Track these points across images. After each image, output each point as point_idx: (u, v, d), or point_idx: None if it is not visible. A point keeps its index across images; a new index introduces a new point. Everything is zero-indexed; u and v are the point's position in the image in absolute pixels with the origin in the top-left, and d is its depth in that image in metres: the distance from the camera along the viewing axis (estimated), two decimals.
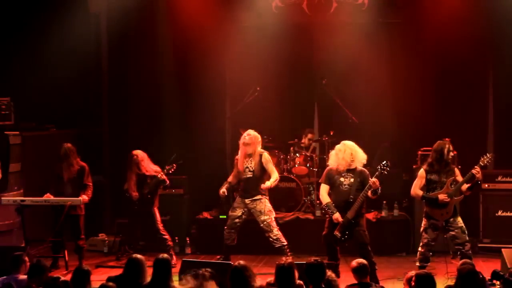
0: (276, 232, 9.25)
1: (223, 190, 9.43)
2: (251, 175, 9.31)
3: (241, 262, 6.01)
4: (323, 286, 5.94)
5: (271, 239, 9.25)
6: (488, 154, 8.40)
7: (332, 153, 8.72)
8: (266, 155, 9.39)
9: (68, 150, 9.46)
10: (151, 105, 11.78)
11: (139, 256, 6.47)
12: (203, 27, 11.31)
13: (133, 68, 11.86)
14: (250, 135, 9.34)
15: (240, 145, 9.43)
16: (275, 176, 9.29)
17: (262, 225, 9.29)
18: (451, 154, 8.39)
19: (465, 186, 8.30)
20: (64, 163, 9.43)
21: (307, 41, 11.43)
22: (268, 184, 9.21)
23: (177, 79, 11.75)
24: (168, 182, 9.81)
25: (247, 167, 9.34)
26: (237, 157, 9.53)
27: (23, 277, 6.74)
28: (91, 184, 9.53)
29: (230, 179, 9.57)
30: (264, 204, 9.29)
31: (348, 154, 8.51)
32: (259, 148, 9.42)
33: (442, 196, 8.21)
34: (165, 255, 6.46)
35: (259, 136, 9.43)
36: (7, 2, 11.16)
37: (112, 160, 12.01)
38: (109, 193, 11.95)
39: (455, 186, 8.25)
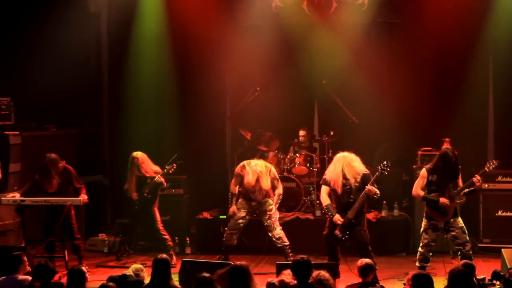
0: (279, 231, 9.26)
1: (234, 209, 9.42)
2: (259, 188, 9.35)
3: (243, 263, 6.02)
4: (315, 284, 5.94)
5: (274, 238, 9.26)
6: (494, 161, 8.39)
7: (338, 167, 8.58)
8: (273, 171, 9.43)
9: (49, 162, 9.13)
10: (151, 105, 11.78)
11: (164, 255, 6.49)
12: (203, 27, 11.31)
13: (133, 68, 11.86)
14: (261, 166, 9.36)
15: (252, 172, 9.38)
16: (278, 192, 9.36)
17: (266, 224, 9.30)
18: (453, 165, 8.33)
19: (463, 192, 8.28)
20: (45, 177, 9.17)
21: (307, 41, 11.43)
22: (273, 207, 9.30)
23: (177, 79, 11.75)
24: (165, 184, 9.80)
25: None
26: (239, 169, 9.49)
27: (22, 277, 6.74)
28: (83, 185, 9.39)
29: (233, 190, 9.53)
30: (269, 204, 9.31)
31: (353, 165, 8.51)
32: (264, 163, 9.48)
33: (443, 200, 8.18)
34: (164, 255, 6.49)
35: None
36: (7, 2, 11.15)
37: (112, 160, 12.03)
38: (109, 193, 11.96)
39: (457, 190, 8.23)
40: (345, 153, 8.56)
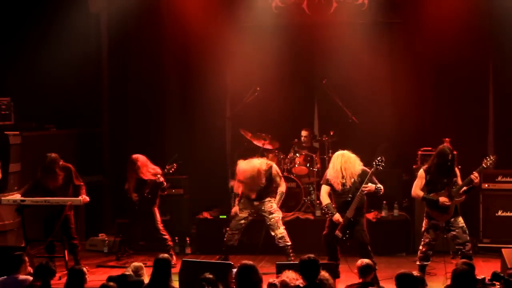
0: (282, 230, 9.25)
1: (236, 210, 9.41)
2: (261, 187, 9.33)
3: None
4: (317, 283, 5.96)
5: (276, 237, 9.24)
6: (491, 156, 8.37)
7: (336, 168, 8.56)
8: (275, 167, 9.41)
9: (52, 161, 9.14)
10: (151, 105, 11.78)
11: (165, 255, 6.51)
12: (203, 27, 11.32)
13: (133, 68, 11.86)
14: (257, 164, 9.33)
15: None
16: (281, 190, 9.33)
17: (269, 222, 9.29)
18: (449, 162, 8.33)
19: (462, 190, 8.27)
20: (48, 175, 9.17)
21: (307, 41, 11.43)
22: (275, 206, 9.29)
23: (177, 79, 11.77)
24: (165, 184, 9.80)
25: None
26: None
27: (23, 277, 6.75)
28: (83, 183, 9.42)
29: (236, 189, 9.52)
30: (272, 204, 9.32)
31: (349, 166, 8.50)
32: (263, 160, 9.45)
33: (442, 199, 8.17)
34: (165, 255, 6.50)
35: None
36: (7, 2, 11.15)
37: (112, 160, 12.02)
38: (109, 193, 11.95)
39: (456, 188, 8.23)
40: (343, 152, 8.57)
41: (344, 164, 8.44)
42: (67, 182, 9.29)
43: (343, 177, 8.41)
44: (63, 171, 9.25)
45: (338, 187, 8.43)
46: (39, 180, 9.25)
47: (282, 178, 9.49)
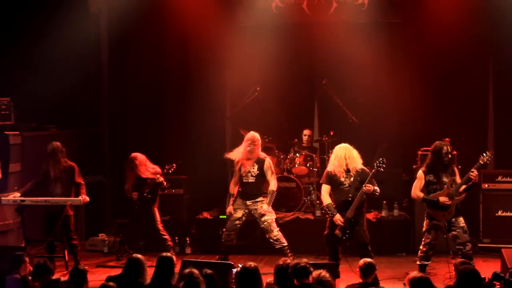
0: (276, 233, 9.24)
1: (230, 210, 9.38)
2: (253, 180, 9.30)
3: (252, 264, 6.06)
4: (315, 284, 5.96)
5: (271, 240, 9.24)
6: (487, 152, 8.38)
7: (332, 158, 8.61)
8: (268, 161, 9.37)
9: (56, 147, 9.31)
10: (151, 105, 11.80)
11: (138, 255, 6.51)
12: (203, 27, 11.33)
13: (133, 68, 11.87)
14: (256, 138, 9.29)
15: (245, 149, 9.35)
16: (272, 189, 9.26)
17: (262, 225, 9.28)
18: (449, 155, 8.36)
19: (461, 188, 8.28)
20: (51, 161, 9.30)
21: (307, 41, 11.43)
22: (265, 206, 9.23)
23: (177, 79, 11.76)
24: (165, 184, 9.79)
25: (249, 172, 9.31)
26: (236, 161, 9.47)
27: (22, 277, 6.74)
28: (83, 182, 9.45)
29: (232, 190, 9.49)
30: (263, 205, 9.27)
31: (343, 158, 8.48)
32: (260, 152, 9.40)
33: (443, 199, 8.18)
34: (169, 254, 6.51)
35: (259, 138, 9.39)
36: (7, 2, 11.15)
37: (112, 160, 12.02)
38: (109, 193, 11.96)
39: (455, 187, 8.23)
40: (345, 144, 8.55)
41: (349, 153, 8.42)
42: (69, 181, 9.31)
43: (347, 165, 8.38)
44: (65, 171, 9.31)
45: (342, 175, 8.38)
46: (42, 174, 9.28)
47: (274, 174, 9.44)
